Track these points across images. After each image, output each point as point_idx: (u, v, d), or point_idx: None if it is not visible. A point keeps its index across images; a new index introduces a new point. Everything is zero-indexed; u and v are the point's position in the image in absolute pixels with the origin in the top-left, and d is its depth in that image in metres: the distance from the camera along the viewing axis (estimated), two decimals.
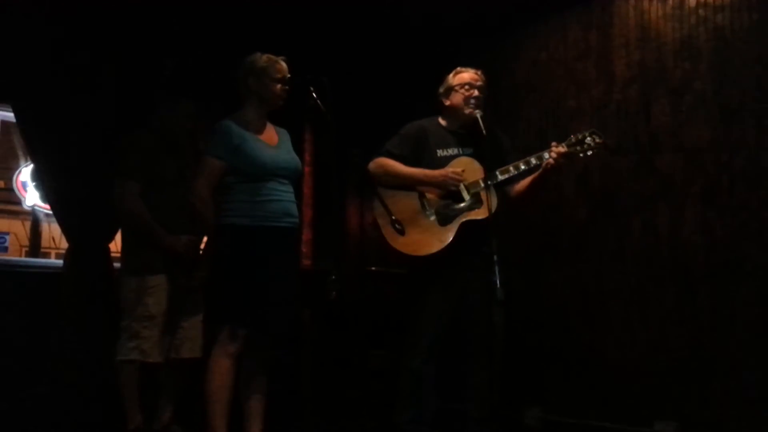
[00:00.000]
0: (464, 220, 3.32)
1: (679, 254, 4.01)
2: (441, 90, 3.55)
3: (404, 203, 3.40)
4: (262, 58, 3.23)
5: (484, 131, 3.22)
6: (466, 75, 3.50)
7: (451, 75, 3.54)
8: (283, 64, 3.25)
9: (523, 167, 3.31)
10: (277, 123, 3.40)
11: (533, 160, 3.30)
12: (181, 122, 3.77)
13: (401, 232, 3.28)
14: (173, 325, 3.65)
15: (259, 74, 3.21)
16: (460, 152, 3.47)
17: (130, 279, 3.61)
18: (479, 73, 3.52)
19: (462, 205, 3.34)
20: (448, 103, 3.52)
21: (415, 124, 3.57)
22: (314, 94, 3.18)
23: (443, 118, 3.57)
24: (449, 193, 3.36)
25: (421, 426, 3.38)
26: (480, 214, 3.29)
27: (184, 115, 3.77)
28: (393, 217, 3.28)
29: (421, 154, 3.48)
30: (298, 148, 3.45)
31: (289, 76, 3.25)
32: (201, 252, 3.59)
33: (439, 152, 3.47)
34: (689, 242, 3.98)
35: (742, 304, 3.77)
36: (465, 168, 3.40)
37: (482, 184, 3.30)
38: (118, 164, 3.67)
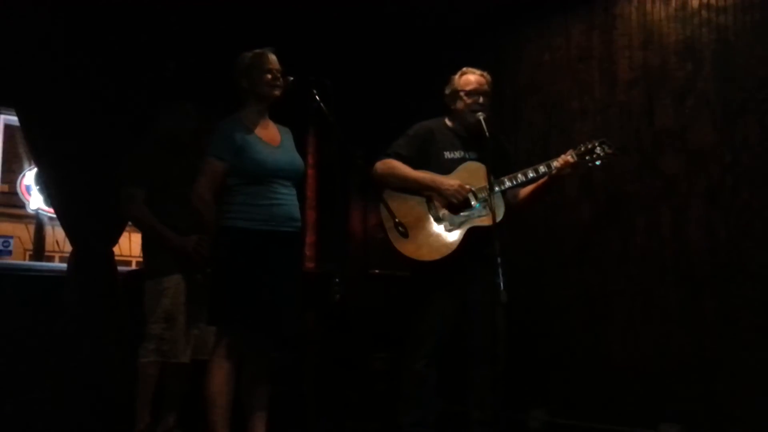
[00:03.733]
0: (471, 225, 3.31)
1: (683, 255, 4.00)
2: (447, 92, 3.53)
3: (411, 207, 3.39)
4: (247, 56, 3.21)
5: (486, 133, 3.23)
6: (472, 78, 3.47)
7: (457, 76, 3.51)
8: (271, 55, 3.21)
9: (531, 174, 3.31)
10: (280, 123, 3.39)
11: (542, 168, 3.29)
12: (181, 123, 3.79)
13: (404, 235, 3.28)
14: (193, 326, 3.67)
15: (247, 72, 3.19)
16: (466, 155, 3.46)
17: (149, 283, 3.65)
18: (485, 75, 3.50)
19: (470, 211, 3.34)
20: (453, 107, 3.51)
21: (422, 125, 3.56)
22: (317, 96, 3.18)
23: (450, 120, 3.56)
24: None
25: (424, 428, 3.38)
26: (487, 220, 3.28)
27: (183, 116, 3.80)
28: (396, 220, 3.28)
29: (428, 155, 3.47)
30: (301, 150, 3.45)
31: (279, 67, 3.22)
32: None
33: (446, 154, 3.47)
34: (693, 243, 3.97)
35: (746, 305, 3.75)
36: (472, 173, 3.39)
37: (489, 190, 3.29)
38: (121, 172, 3.69)
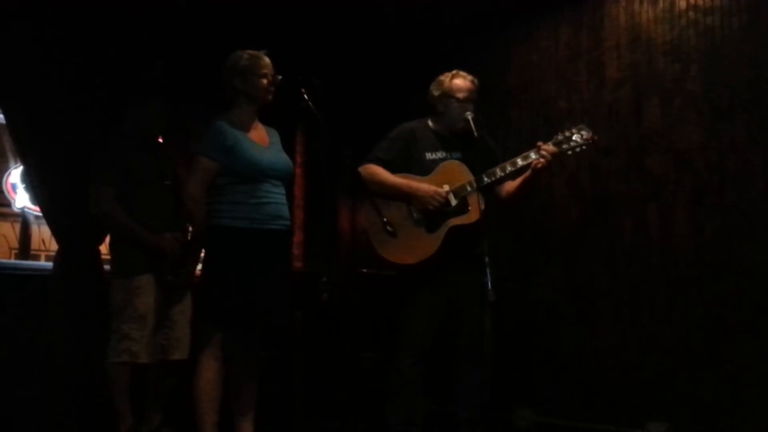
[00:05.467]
0: (451, 225, 3.32)
1: (670, 255, 4.01)
2: (435, 93, 3.51)
3: (392, 210, 3.42)
4: (244, 56, 3.21)
5: (475, 132, 3.23)
6: (464, 85, 3.46)
7: (447, 78, 3.50)
8: (266, 59, 3.23)
9: (509, 169, 3.31)
10: (268, 124, 3.39)
11: (519, 161, 3.30)
12: (151, 120, 3.77)
13: (393, 235, 3.30)
14: (161, 326, 3.65)
15: (243, 73, 3.19)
16: (449, 156, 3.47)
17: (117, 282, 3.61)
18: (475, 81, 3.50)
19: (448, 210, 3.35)
20: (441, 109, 3.50)
21: (403, 127, 3.57)
22: (306, 96, 3.18)
23: (433, 121, 3.56)
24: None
25: (411, 427, 3.39)
26: (467, 219, 3.30)
27: (152, 113, 3.77)
28: (384, 219, 3.29)
29: (410, 157, 3.49)
30: (289, 149, 3.46)
31: (273, 71, 3.23)
32: (186, 248, 3.59)
33: (428, 155, 3.48)
34: (679, 243, 3.99)
35: (732, 304, 3.78)
36: (450, 172, 3.41)
37: (469, 189, 3.31)
38: (91, 170, 3.66)
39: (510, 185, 3.44)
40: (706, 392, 3.80)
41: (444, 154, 3.47)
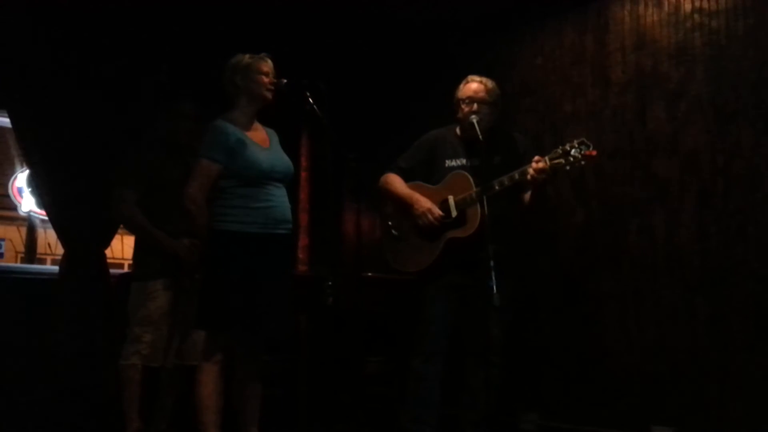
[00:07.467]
0: (448, 238, 3.37)
1: (675, 258, 4.00)
2: (454, 100, 3.59)
3: (404, 218, 3.53)
4: (246, 57, 3.24)
5: (480, 136, 3.25)
6: (469, 86, 3.55)
7: (461, 84, 3.59)
8: (268, 60, 3.25)
9: (507, 183, 3.32)
10: (273, 127, 3.40)
11: (516, 176, 3.30)
12: (179, 125, 3.78)
13: (398, 239, 3.36)
14: (179, 331, 3.66)
15: (245, 71, 3.21)
16: (468, 162, 3.51)
17: (135, 285, 3.66)
18: (484, 82, 3.55)
19: (448, 222, 3.41)
20: (455, 115, 3.56)
21: (428, 135, 3.70)
22: (310, 99, 3.19)
23: (458, 128, 3.62)
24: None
25: (424, 426, 3.41)
26: (463, 232, 3.36)
27: (181, 117, 3.79)
28: (389, 223, 3.34)
29: (432, 164, 3.60)
30: (294, 153, 3.47)
31: (274, 73, 3.24)
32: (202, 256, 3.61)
33: (447, 162, 3.55)
34: (685, 246, 3.97)
35: (738, 307, 3.76)
36: (456, 183, 3.46)
37: (469, 201, 3.35)
38: (117, 172, 3.69)
39: (529, 192, 3.48)
40: (712, 396, 3.79)
41: (464, 160, 3.52)
